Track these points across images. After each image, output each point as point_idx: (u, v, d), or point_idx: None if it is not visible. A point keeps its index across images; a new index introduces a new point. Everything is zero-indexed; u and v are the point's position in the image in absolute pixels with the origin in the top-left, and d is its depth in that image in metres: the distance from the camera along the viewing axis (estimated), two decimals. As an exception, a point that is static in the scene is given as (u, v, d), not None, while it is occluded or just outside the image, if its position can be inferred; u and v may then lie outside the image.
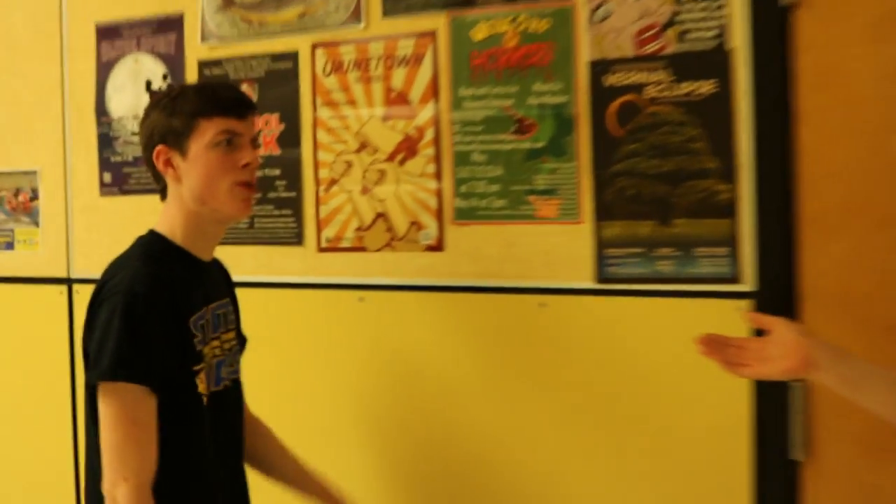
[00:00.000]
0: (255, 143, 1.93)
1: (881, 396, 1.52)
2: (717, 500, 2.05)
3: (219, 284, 2.05)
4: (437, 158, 2.28)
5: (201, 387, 1.85)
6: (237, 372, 2.04)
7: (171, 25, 2.58)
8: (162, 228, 1.92)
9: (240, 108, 1.90)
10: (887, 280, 1.92)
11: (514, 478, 2.24)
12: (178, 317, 1.82)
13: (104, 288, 1.81)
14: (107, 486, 1.74)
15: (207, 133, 1.86)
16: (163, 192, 1.94)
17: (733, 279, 2.02)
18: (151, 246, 1.90)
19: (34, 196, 2.82)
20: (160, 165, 1.89)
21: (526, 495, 2.22)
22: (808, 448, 2.00)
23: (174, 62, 2.58)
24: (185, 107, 1.86)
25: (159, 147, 1.88)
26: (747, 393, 2.01)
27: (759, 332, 1.76)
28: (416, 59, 2.28)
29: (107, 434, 1.75)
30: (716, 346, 1.62)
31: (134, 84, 2.65)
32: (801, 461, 2.00)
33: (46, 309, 2.79)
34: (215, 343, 1.93)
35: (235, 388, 2.02)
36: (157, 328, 1.77)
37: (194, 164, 1.87)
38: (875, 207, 1.93)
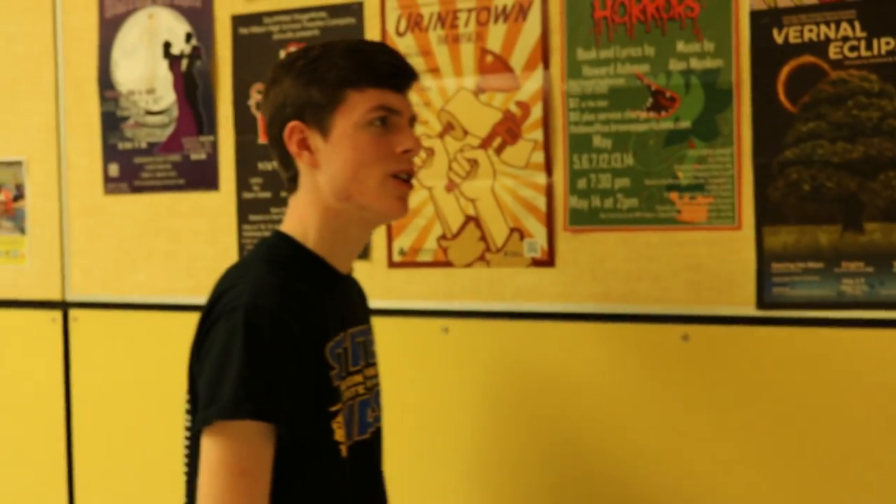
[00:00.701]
0: (412, 123, 1.92)
1: None
2: None
3: (357, 305, 2.05)
4: (547, 144, 2.31)
5: (338, 433, 1.81)
6: (380, 418, 2.03)
7: None
8: (290, 229, 1.90)
9: (400, 77, 1.88)
10: None
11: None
12: (311, 341, 1.78)
13: (218, 303, 1.78)
14: None
15: (358, 108, 1.83)
16: (290, 183, 1.92)
17: (947, 303, 2.03)
18: (278, 250, 1.88)
19: (19, 194, 2.91)
20: (293, 147, 1.85)
21: None
22: None
23: (200, 18, 2.65)
24: (330, 73, 1.83)
25: (293, 123, 1.84)
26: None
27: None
28: (521, 12, 2.32)
29: (206, 486, 1.69)
30: None
31: (148, 47, 2.71)
32: None
33: (36, 340, 2.88)
34: (356, 378, 1.91)
35: (377, 438, 2.01)
36: (287, 353, 1.73)
37: (338, 148, 1.84)
38: None
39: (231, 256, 2.63)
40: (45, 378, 2.87)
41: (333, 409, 1.79)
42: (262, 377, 1.69)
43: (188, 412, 1.87)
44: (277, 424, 1.70)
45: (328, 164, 1.85)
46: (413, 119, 1.92)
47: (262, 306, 1.71)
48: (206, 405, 1.70)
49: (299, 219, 1.89)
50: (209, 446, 1.69)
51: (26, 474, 2.92)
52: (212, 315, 1.77)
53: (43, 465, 2.88)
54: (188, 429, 1.87)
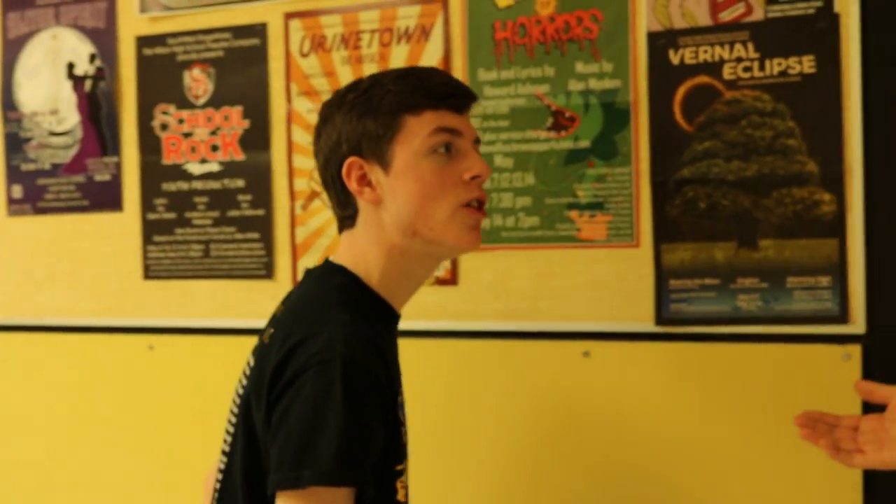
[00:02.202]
0: (477, 145, 1.77)
1: None
2: None
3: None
4: (449, 163, 2.30)
5: (401, 493, 1.69)
6: None
7: None
8: (353, 266, 1.75)
9: (459, 97, 1.74)
10: None
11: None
12: (392, 397, 1.65)
13: (298, 350, 1.59)
14: None
15: (418, 134, 1.69)
16: (347, 221, 1.77)
17: (839, 318, 2.04)
18: (350, 293, 1.72)
19: (-81, 216, 2.84)
20: (353, 184, 1.70)
21: None
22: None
23: (104, 39, 2.61)
24: (384, 101, 1.69)
25: (351, 159, 1.70)
26: (861, 484, 2.03)
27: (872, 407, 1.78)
28: (423, 33, 2.32)
29: None
30: (819, 426, 1.61)
31: (52, 68, 2.67)
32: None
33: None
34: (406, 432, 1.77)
35: None
36: (379, 412, 1.59)
37: (401, 180, 1.69)
38: None
39: (136, 278, 2.59)
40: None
41: (399, 468, 1.67)
42: (362, 441, 1.55)
43: (226, 454, 1.75)
44: (367, 489, 1.56)
45: (392, 198, 1.70)
46: (477, 140, 1.78)
47: (358, 361, 1.56)
48: (295, 466, 1.52)
49: (361, 256, 1.74)
50: None
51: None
52: (292, 363, 1.58)
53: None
54: (223, 470, 1.75)
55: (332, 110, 1.74)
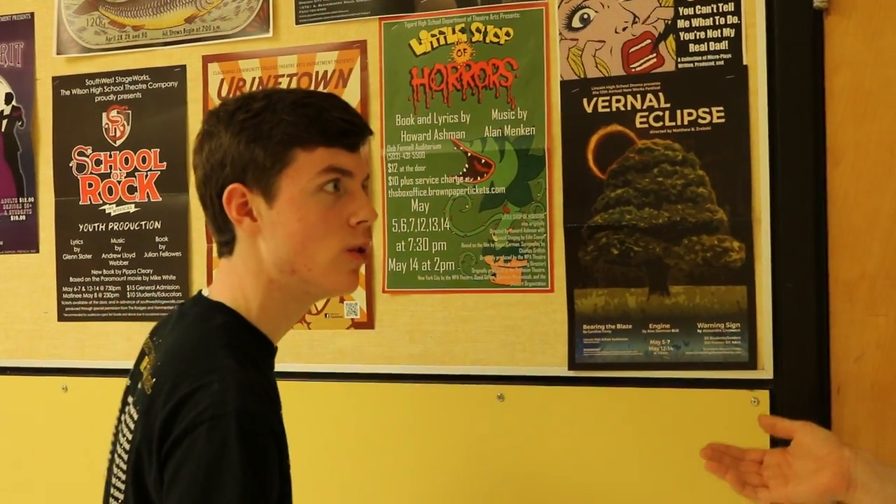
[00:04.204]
0: (366, 185, 1.71)
1: None
2: None
3: None
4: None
5: None
6: None
7: (17, 31, 2.57)
8: (230, 301, 1.66)
9: (355, 135, 1.65)
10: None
11: None
12: (284, 446, 1.59)
13: (185, 405, 1.49)
14: None
15: (307, 171, 1.59)
16: (224, 247, 1.68)
17: (747, 364, 2.05)
18: (234, 332, 1.63)
19: None
20: (232, 212, 1.60)
21: None
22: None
23: (21, 79, 2.57)
24: (276, 130, 1.59)
25: (233, 186, 1.59)
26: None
27: (779, 442, 1.78)
28: (341, 77, 2.30)
29: None
30: (725, 460, 1.62)
31: (-33, 109, 2.63)
32: None
33: None
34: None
35: None
36: (278, 467, 1.52)
37: (284, 216, 1.60)
38: (930, 272, 1.97)
39: (51, 318, 2.54)
40: None
41: None
42: (265, 499, 1.47)
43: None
44: None
45: (272, 232, 1.61)
46: (367, 179, 1.73)
47: (254, 413, 1.47)
48: None
49: (238, 288, 1.65)
50: None
51: None
52: (180, 419, 1.47)
53: None
54: None
55: (218, 126, 1.62)
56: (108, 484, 1.71)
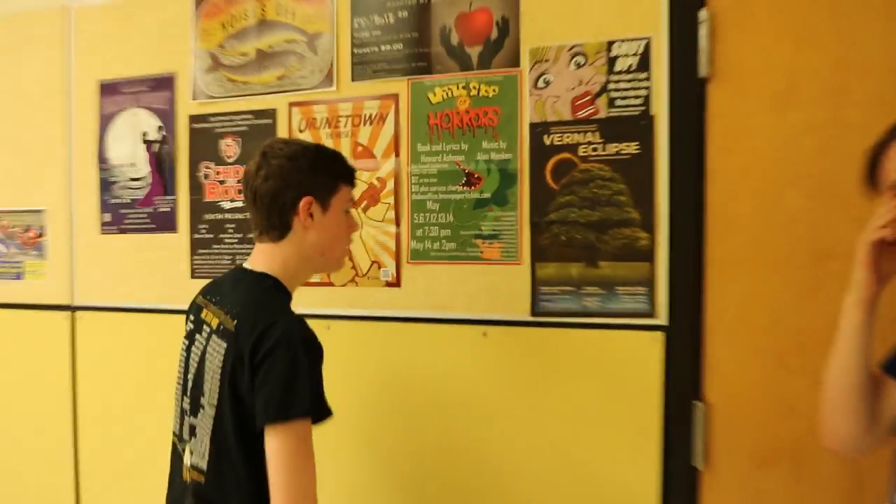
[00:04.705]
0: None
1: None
2: (632, 499, 2.10)
3: None
4: (397, 206, 2.31)
5: None
6: None
7: (166, 84, 2.59)
8: (275, 271, 1.78)
9: (356, 179, 1.93)
10: (779, 317, 1.98)
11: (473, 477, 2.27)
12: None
13: (267, 334, 1.63)
14: None
15: (343, 198, 1.84)
16: (275, 232, 1.78)
17: (649, 314, 2.06)
18: (279, 290, 1.78)
19: (42, 233, 2.81)
20: (303, 213, 1.76)
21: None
22: (708, 458, 2.05)
23: (167, 116, 2.59)
24: (330, 168, 1.82)
25: (310, 198, 1.76)
26: (658, 410, 2.05)
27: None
28: (381, 119, 2.31)
29: (287, 465, 1.59)
30: None
31: (132, 135, 2.64)
32: (701, 469, 2.05)
33: (52, 333, 2.77)
34: None
35: None
36: (320, 368, 1.68)
37: (329, 221, 1.81)
38: (771, 253, 1.98)
39: (185, 277, 2.57)
40: (59, 360, 2.77)
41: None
42: (320, 387, 1.66)
43: (215, 406, 1.70)
44: (329, 418, 1.67)
45: (320, 230, 1.79)
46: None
47: (310, 338, 1.67)
48: (282, 407, 1.60)
49: (283, 263, 1.79)
50: (286, 436, 1.61)
51: (35, 438, 2.83)
52: (265, 342, 1.63)
53: (50, 425, 2.79)
54: (216, 419, 1.70)
55: (284, 160, 1.76)
56: (189, 396, 1.79)
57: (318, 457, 1.63)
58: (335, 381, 2.34)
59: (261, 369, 1.63)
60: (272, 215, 1.77)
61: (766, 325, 1.99)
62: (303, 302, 2.37)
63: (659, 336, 2.05)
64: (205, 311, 1.81)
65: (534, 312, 2.17)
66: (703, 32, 2.01)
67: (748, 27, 2.00)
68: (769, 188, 1.98)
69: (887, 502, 1.52)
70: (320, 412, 1.65)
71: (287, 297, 1.79)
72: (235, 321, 1.70)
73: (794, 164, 1.96)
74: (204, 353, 1.75)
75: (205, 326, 1.78)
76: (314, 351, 1.66)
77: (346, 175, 1.85)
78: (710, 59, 2.01)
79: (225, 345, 1.69)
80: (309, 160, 1.78)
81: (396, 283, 2.31)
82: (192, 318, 1.87)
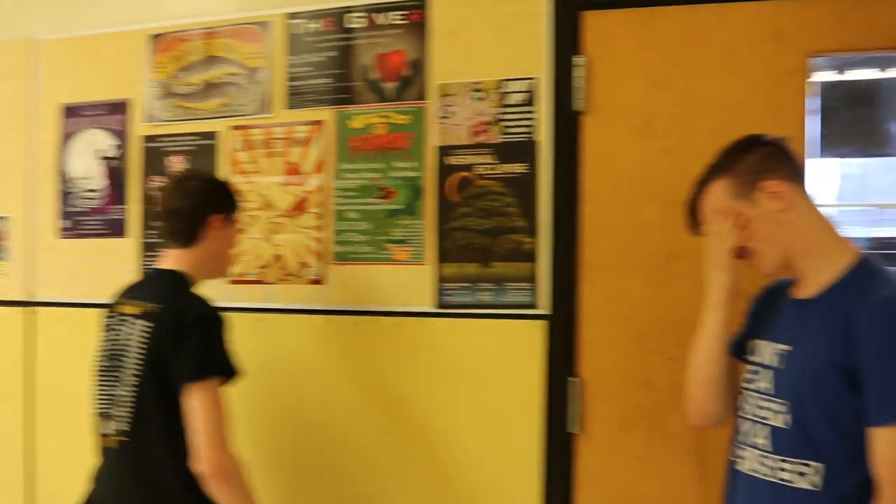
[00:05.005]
0: None
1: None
2: (518, 462, 2.01)
3: None
4: (322, 215, 2.19)
5: None
6: None
7: (121, 108, 2.40)
8: (184, 270, 1.81)
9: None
10: (639, 306, 1.95)
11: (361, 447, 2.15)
12: None
13: (185, 313, 1.68)
14: (210, 459, 1.62)
15: (238, 219, 1.91)
16: (184, 238, 1.80)
17: (533, 306, 2.00)
18: (189, 284, 1.80)
19: (4, 237, 2.56)
20: (215, 226, 1.82)
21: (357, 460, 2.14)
22: (582, 424, 1.99)
23: (122, 136, 2.40)
24: (231, 195, 1.88)
25: (221, 214, 1.83)
26: (541, 385, 1.99)
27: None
28: (309, 141, 2.20)
29: (207, 417, 1.63)
30: None
31: (89, 152, 2.44)
32: (576, 433, 1.99)
33: (12, 327, 2.52)
34: None
35: None
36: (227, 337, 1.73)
37: (228, 235, 1.87)
38: (632, 255, 1.95)
39: (135, 274, 2.34)
40: (20, 348, 2.51)
41: None
42: (230, 354, 1.71)
43: (138, 376, 1.70)
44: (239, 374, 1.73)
45: (223, 242, 1.85)
46: None
47: (217, 313, 1.72)
48: (201, 368, 1.65)
49: (189, 264, 1.81)
50: (205, 392, 1.64)
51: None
52: (184, 318, 1.67)
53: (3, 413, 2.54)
54: (136, 386, 1.70)
55: (191, 182, 1.83)
56: (112, 373, 1.76)
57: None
58: (266, 367, 2.22)
59: (181, 339, 1.65)
60: (186, 226, 1.79)
61: (628, 314, 1.95)
62: (238, 298, 2.24)
63: (541, 324, 1.99)
64: (125, 306, 1.80)
65: (439, 305, 2.08)
66: (578, 74, 1.98)
67: (615, 71, 1.97)
68: (631, 201, 1.95)
69: (729, 455, 1.49)
70: (231, 372, 1.69)
71: (192, 287, 1.81)
72: (160, 304, 1.72)
73: (651, 182, 1.94)
74: (125, 336, 1.74)
75: (126, 316, 1.76)
76: (221, 323, 1.70)
77: (239, 203, 1.90)
78: (585, 96, 1.98)
79: (150, 324, 1.70)
80: (218, 186, 1.86)
81: (321, 281, 2.19)
82: (111, 312, 1.85)
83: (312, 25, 2.21)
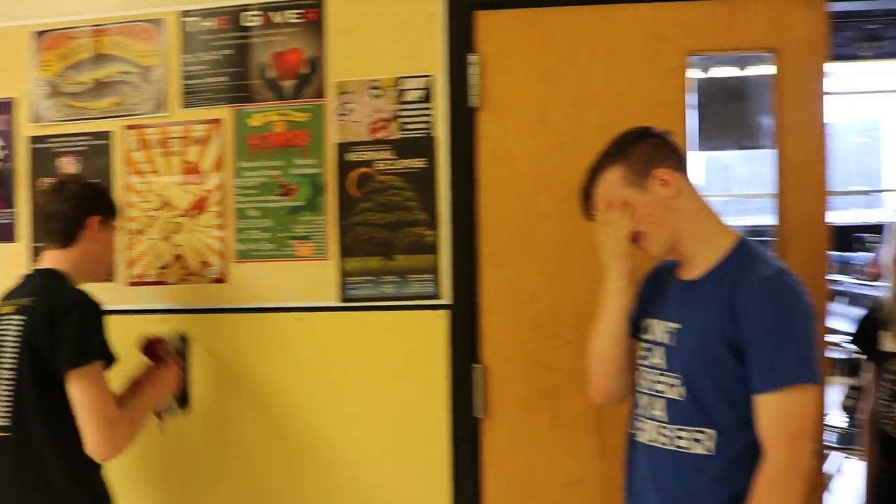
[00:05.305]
0: None
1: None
2: (427, 449, 2.06)
3: None
4: (222, 214, 2.16)
5: None
6: None
7: (6, 108, 2.29)
8: (62, 268, 1.81)
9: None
10: (537, 293, 2.02)
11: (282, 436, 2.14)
12: None
13: (61, 300, 1.70)
14: (101, 442, 1.65)
15: (116, 223, 1.95)
16: (62, 240, 1.82)
17: (436, 296, 2.05)
18: (69, 281, 1.80)
19: None
20: (93, 228, 1.84)
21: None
22: (487, 408, 2.05)
23: (7, 137, 2.29)
24: (110, 199, 1.92)
25: (99, 217, 1.86)
26: (446, 373, 2.04)
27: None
28: (207, 140, 2.17)
29: (91, 401, 1.65)
30: None
31: (-27, 154, 2.33)
32: (482, 417, 2.05)
33: None
34: None
35: None
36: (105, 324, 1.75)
37: (106, 238, 1.89)
38: (528, 247, 2.02)
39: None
40: None
41: None
42: (108, 339, 1.73)
43: (14, 370, 1.70)
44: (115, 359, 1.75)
45: (101, 245, 1.87)
46: None
47: (93, 301, 1.73)
48: (79, 354, 1.66)
49: (67, 263, 1.81)
50: (90, 378, 1.67)
51: None
52: (60, 307, 1.68)
53: None
54: (13, 380, 1.70)
55: (78, 187, 1.86)
56: None
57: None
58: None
59: (58, 328, 1.65)
60: (64, 227, 1.81)
61: (527, 301, 2.02)
62: (139, 299, 2.20)
63: (444, 313, 2.03)
64: (2, 308, 1.78)
65: (343, 299, 2.09)
66: (473, 72, 2.03)
67: (509, 69, 2.04)
68: (526, 193, 2.02)
69: (629, 429, 1.57)
70: (110, 357, 1.71)
71: (71, 282, 1.80)
72: (34, 298, 1.72)
73: (545, 175, 2.01)
74: (1, 335, 1.73)
75: (2, 316, 1.75)
76: (98, 310, 1.71)
77: (118, 209, 1.94)
78: (480, 93, 2.04)
79: (24, 317, 1.70)
80: (98, 190, 1.90)
81: (223, 279, 2.16)
82: None
83: (207, 23, 2.19)
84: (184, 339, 2.10)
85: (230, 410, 2.15)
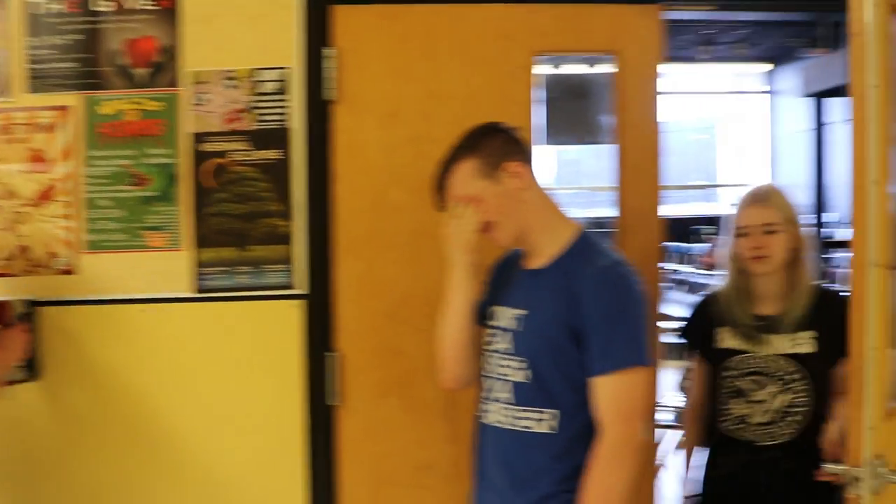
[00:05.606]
0: None
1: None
2: (282, 439, 2.07)
3: None
4: (71, 204, 2.09)
5: None
6: None
7: None
8: None
9: None
10: (390, 282, 2.08)
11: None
12: None
13: None
14: None
15: None
16: None
17: (290, 286, 2.06)
18: None
19: None
20: None
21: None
22: (341, 396, 2.09)
23: None
24: None
25: None
26: (301, 361, 2.06)
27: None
28: (54, 127, 2.09)
29: None
30: None
31: None
32: (337, 405, 2.09)
33: None
34: None
35: None
36: None
37: None
38: (381, 237, 2.07)
39: None
40: None
41: None
42: None
43: None
44: None
45: None
46: None
47: None
48: None
49: None
50: None
51: None
52: None
53: None
54: None
55: None
56: None
57: None
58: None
59: None
60: None
61: (380, 290, 2.07)
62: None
63: (299, 303, 2.05)
64: None
65: (198, 290, 2.08)
66: (329, 65, 2.06)
67: (364, 63, 2.08)
68: (380, 186, 2.07)
69: (476, 412, 1.64)
70: None
71: None
72: None
73: (398, 168, 2.07)
74: None
75: None
76: None
77: None
78: (336, 86, 2.06)
79: None
80: None
81: (71, 271, 2.09)
82: None
83: (55, 6, 2.10)
84: (30, 304, 2.02)
85: (79, 403, 2.08)
